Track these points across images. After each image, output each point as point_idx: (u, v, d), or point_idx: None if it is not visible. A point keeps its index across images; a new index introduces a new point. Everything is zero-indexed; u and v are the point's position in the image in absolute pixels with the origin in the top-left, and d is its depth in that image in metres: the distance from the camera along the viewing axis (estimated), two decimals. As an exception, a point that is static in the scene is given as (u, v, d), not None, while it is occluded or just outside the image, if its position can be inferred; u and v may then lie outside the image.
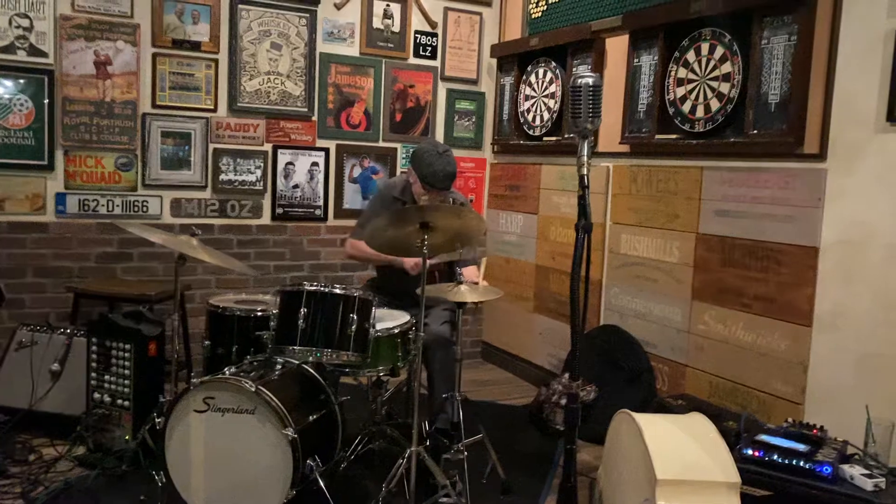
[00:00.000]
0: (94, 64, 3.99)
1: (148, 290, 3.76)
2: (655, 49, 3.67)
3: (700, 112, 3.44)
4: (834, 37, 2.92)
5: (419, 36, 4.85)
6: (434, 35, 4.90)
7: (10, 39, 3.81)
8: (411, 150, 4.80)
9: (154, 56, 4.12)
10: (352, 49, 4.66)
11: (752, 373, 3.21)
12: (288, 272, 4.59)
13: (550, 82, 4.46)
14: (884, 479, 2.29)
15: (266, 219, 4.52)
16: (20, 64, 3.85)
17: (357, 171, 4.75)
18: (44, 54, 3.89)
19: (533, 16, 4.66)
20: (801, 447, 2.42)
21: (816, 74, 2.96)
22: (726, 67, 3.30)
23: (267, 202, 4.51)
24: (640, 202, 3.83)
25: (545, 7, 4.55)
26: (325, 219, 4.67)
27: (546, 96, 4.49)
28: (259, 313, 3.07)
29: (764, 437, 2.50)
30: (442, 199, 3.31)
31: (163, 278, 4.19)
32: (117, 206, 4.13)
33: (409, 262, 3.30)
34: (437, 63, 4.92)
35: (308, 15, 4.48)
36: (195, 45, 4.21)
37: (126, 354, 3.14)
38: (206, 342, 3.11)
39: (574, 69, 4.25)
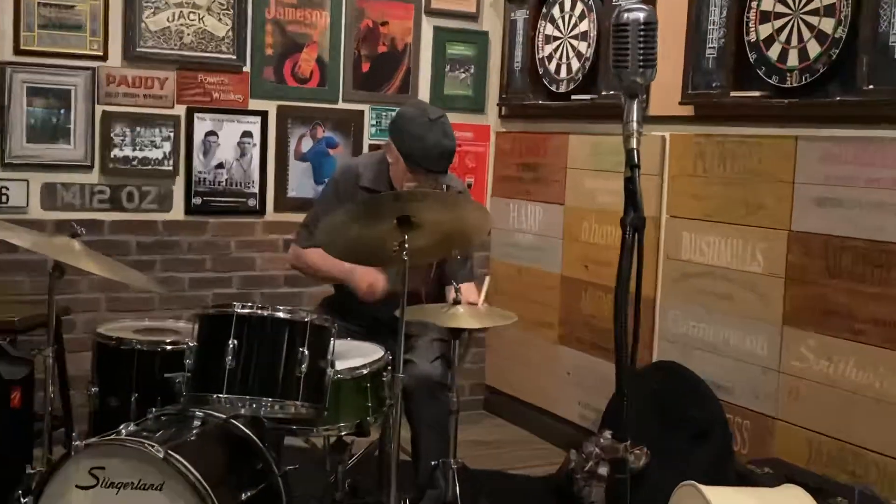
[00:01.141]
0: (-70, -8, 3.98)
1: (9, 314, 3.74)
2: (730, -30, 3.70)
3: (793, 59, 3.45)
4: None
5: (395, -48, 4.86)
6: (416, -49, 4.91)
7: None
8: (387, 114, 4.81)
9: (17, -19, 4.12)
10: (299, -29, 4.67)
11: (869, 428, 3.21)
12: (210, 288, 4.59)
13: (581, 17, 4.47)
14: None
15: (178, 212, 4.52)
16: None
17: (308, 145, 4.75)
18: None
19: (556, -76, 4.68)
20: (941, 534, 2.43)
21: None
22: (830, -4, 3.32)
23: (179, 189, 4.51)
24: (708, 187, 3.84)
25: (573, -88, 4.57)
26: (261, 212, 4.67)
27: (575, 37, 4.50)
28: (168, 347, 3.06)
29: (888, 520, 2.51)
30: (434, 187, 3.30)
31: (31, 297, 4.15)
32: (-36, 194, 4.12)
33: (364, 282, 3.28)
34: (420, -9, 4.94)
35: (237, -78, 4.49)
36: (76, -34, 4.21)
37: (-23, 407, 3.12)
38: (93, 388, 3.08)
39: (615, -1, 4.27)
